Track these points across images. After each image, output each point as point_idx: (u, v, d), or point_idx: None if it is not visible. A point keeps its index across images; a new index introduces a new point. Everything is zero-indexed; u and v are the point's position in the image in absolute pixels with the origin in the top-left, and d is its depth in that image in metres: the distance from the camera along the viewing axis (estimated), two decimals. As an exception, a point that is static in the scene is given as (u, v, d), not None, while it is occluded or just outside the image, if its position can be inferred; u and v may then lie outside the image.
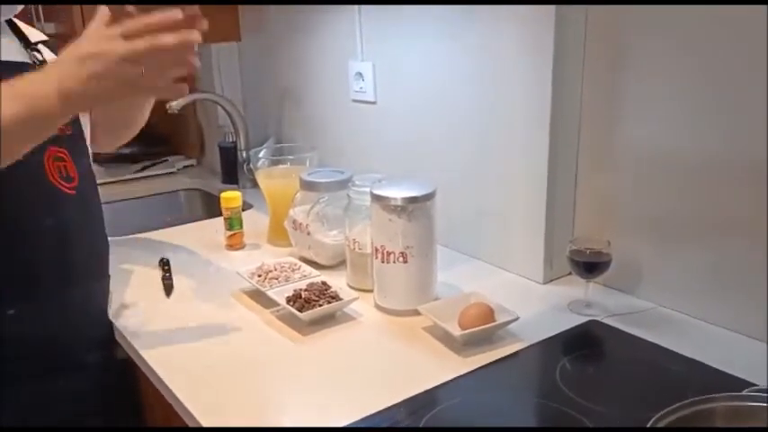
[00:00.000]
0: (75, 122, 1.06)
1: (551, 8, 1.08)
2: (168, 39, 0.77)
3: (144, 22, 0.78)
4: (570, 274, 1.16)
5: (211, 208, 1.87)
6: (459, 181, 1.31)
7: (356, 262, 1.20)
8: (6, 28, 1.04)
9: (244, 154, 1.90)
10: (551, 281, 1.21)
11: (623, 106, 1.08)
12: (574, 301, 1.13)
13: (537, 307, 1.12)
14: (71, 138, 1.03)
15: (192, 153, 2.20)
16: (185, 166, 2.17)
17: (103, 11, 0.79)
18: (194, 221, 1.73)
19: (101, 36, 0.79)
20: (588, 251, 1.08)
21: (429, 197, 1.09)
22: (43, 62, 1.05)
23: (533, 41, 1.12)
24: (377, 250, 1.11)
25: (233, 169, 1.93)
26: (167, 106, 1.77)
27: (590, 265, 1.08)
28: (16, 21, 1.07)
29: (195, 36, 0.78)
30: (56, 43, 1.10)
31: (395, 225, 1.08)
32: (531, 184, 1.18)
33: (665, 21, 1.00)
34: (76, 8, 1.71)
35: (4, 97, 0.79)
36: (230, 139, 1.94)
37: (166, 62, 0.79)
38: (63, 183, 1.02)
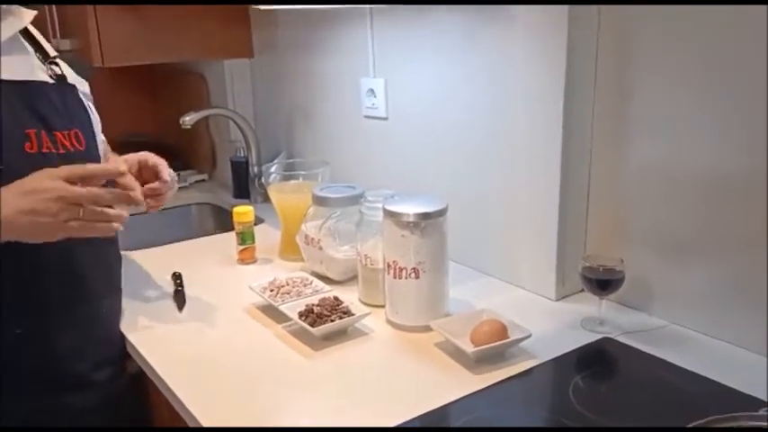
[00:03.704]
0: (90, 137, 1.06)
1: (563, 24, 1.08)
2: (108, 193, 0.88)
3: (90, 168, 0.89)
4: (583, 290, 1.16)
5: (223, 222, 1.88)
6: (470, 197, 1.31)
7: (368, 277, 1.21)
8: (23, 42, 1.05)
9: (255, 169, 1.91)
10: (564, 297, 1.21)
11: (635, 122, 1.09)
12: (586, 318, 1.12)
13: (549, 324, 1.11)
14: (83, 153, 1.03)
15: (204, 167, 2.22)
16: (197, 181, 2.19)
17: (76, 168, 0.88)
18: (206, 235, 1.74)
19: (45, 174, 0.86)
20: (601, 268, 1.08)
21: (441, 213, 1.09)
22: (61, 77, 1.06)
23: (545, 58, 1.12)
24: (389, 266, 1.11)
25: (244, 184, 1.94)
26: (180, 121, 1.79)
27: (603, 283, 1.08)
28: (34, 33, 1.09)
29: (125, 216, 0.90)
30: (73, 58, 1.12)
31: (407, 241, 1.08)
32: (543, 199, 1.18)
33: (678, 36, 1.00)
34: (92, 25, 1.73)
35: None
36: (242, 154, 1.95)
37: (105, 212, 0.88)
38: None
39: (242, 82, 2.04)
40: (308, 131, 1.84)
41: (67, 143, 1.00)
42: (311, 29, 1.71)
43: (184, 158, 2.26)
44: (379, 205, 1.15)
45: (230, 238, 1.51)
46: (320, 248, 1.29)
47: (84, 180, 0.88)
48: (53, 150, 0.98)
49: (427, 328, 1.07)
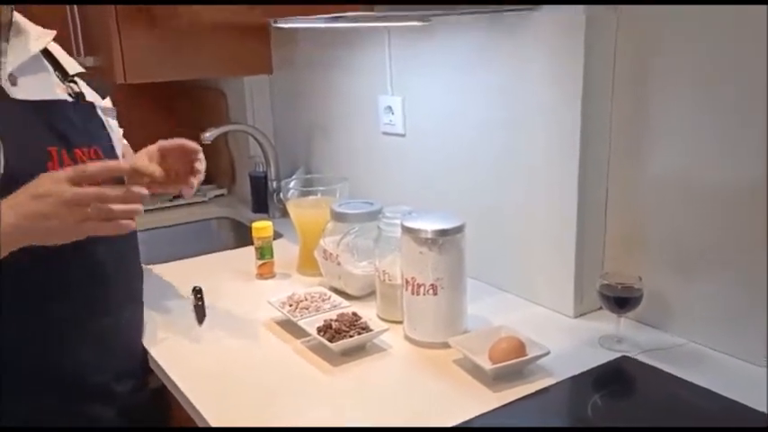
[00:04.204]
0: (109, 154, 1.08)
1: (580, 38, 1.09)
2: (114, 191, 0.88)
3: (92, 168, 0.89)
4: (601, 308, 1.16)
5: (242, 236, 1.90)
6: (488, 212, 1.32)
7: (386, 293, 1.21)
8: (43, 62, 1.07)
9: (274, 184, 1.94)
10: (581, 315, 1.21)
11: (653, 135, 1.09)
12: (605, 336, 1.12)
13: (567, 341, 1.11)
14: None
15: (223, 182, 2.25)
16: (216, 195, 2.22)
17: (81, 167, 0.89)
18: (225, 250, 1.76)
19: (52, 178, 0.88)
20: (619, 286, 1.08)
21: (459, 230, 1.10)
22: (79, 95, 1.08)
23: (561, 72, 1.14)
24: (407, 282, 1.12)
25: (263, 198, 1.96)
26: (201, 137, 1.82)
27: (621, 301, 1.08)
28: (53, 51, 1.11)
29: (138, 208, 0.90)
30: (92, 77, 1.14)
31: (425, 257, 1.09)
32: (560, 215, 1.19)
33: (695, 47, 1.01)
34: (116, 42, 1.77)
35: None
36: (261, 169, 1.97)
37: (112, 209, 0.88)
38: None
39: (261, 98, 2.07)
40: (327, 147, 1.86)
41: (87, 160, 1.02)
42: (330, 47, 1.74)
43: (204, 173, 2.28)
44: (398, 221, 1.16)
45: (249, 252, 1.53)
46: (338, 264, 1.31)
47: (88, 180, 0.89)
48: None
49: (445, 345, 1.08)
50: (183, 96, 2.35)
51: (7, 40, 0.99)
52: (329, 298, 1.26)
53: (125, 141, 1.21)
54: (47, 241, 0.90)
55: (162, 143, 1.20)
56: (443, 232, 1.08)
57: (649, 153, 1.10)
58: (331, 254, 1.32)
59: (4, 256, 0.88)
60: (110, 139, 1.10)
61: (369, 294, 1.31)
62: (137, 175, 0.94)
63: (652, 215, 1.12)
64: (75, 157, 1.00)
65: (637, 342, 1.09)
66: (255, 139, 1.95)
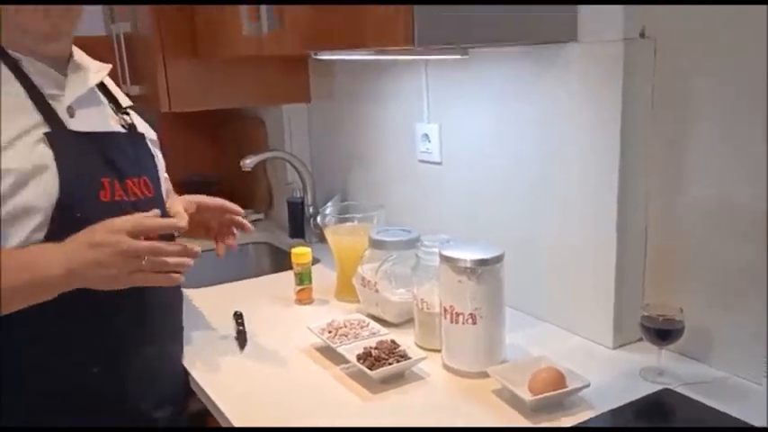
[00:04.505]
0: (157, 184, 1.12)
1: (618, 71, 1.10)
2: (169, 247, 0.94)
3: (150, 223, 0.95)
4: (641, 339, 1.15)
5: (279, 261, 1.93)
6: (524, 242, 1.32)
7: (424, 321, 1.23)
8: (98, 94, 1.12)
9: (311, 209, 1.97)
10: (621, 346, 1.20)
11: (693, 166, 1.09)
12: (645, 368, 1.11)
13: (607, 373, 1.11)
14: (151, 200, 1.08)
15: (261, 207, 2.29)
16: (254, 220, 2.25)
17: (136, 217, 0.95)
18: (263, 274, 1.79)
19: (111, 228, 0.92)
20: (660, 318, 1.07)
21: (498, 260, 1.11)
22: (132, 126, 1.13)
23: (599, 105, 1.14)
24: (445, 311, 1.13)
25: (300, 224, 1.99)
26: (241, 164, 1.87)
27: (662, 333, 1.07)
28: (107, 84, 1.16)
29: (189, 263, 0.96)
30: (142, 108, 1.19)
31: (464, 286, 1.10)
32: (599, 245, 1.19)
33: (733, 78, 1.01)
34: (161, 72, 1.84)
35: (13, 267, 0.90)
36: (298, 195, 2.01)
37: (166, 262, 0.93)
38: None
39: (299, 126, 2.12)
40: (363, 174, 1.89)
41: (137, 190, 1.06)
42: (367, 76, 1.77)
43: (242, 198, 2.32)
44: (436, 250, 1.18)
45: (287, 277, 1.56)
46: (376, 291, 1.32)
47: (145, 234, 0.94)
48: (124, 198, 1.03)
49: (484, 374, 1.08)
50: (223, 123, 2.41)
51: (65, 74, 1.04)
52: (368, 325, 1.27)
53: (166, 176, 1.25)
54: (98, 287, 0.94)
55: (202, 200, 1.28)
56: (482, 262, 1.09)
57: (690, 182, 1.10)
58: (369, 281, 1.34)
59: None
60: (157, 170, 1.14)
61: (406, 321, 1.33)
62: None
63: (693, 244, 1.11)
64: (125, 187, 1.04)
65: (678, 374, 1.08)
66: (293, 165, 1.99)
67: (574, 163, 1.21)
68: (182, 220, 1.06)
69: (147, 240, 0.94)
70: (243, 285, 1.66)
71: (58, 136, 0.98)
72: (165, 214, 1.11)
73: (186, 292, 1.44)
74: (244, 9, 1.41)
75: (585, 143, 1.18)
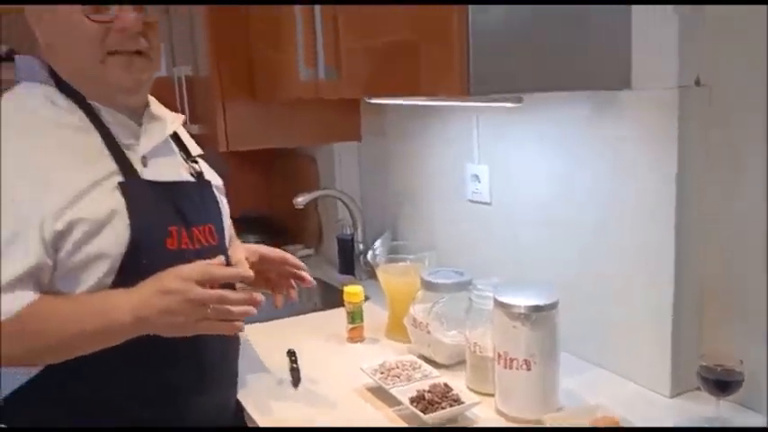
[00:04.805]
0: (221, 231, 1.15)
1: (673, 117, 1.10)
2: (235, 295, 0.97)
3: (218, 272, 0.98)
4: (698, 388, 1.13)
5: (329, 296, 1.95)
6: (579, 286, 1.32)
7: (476, 364, 1.23)
8: (171, 143, 1.16)
9: (361, 246, 2.00)
10: (678, 394, 1.18)
11: (752, 212, 1.07)
12: (704, 418, 1.09)
13: (665, 423, 1.09)
14: (215, 248, 1.11)
15: (311, 243, 2.33)
16: (304, 256, 2.30)
17: (200, 265, 0.98)
18: (313, 310, 1.82)
19: (180, 276, 0.95)
20: (719, 368, 1.05)
21: (553, 306, 1.11)
22: (200, 174, 1.17)
23: (654, 152, 1.14)
24: (499, 356, 1.14)
25: (350, 260, 2.03)
26: (294, 202, 1.92)
27: (722, 384, 1.05)
28: (179, 132, 1.20)
29: (252, 312, 0.98)
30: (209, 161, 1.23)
31: (518, 332, 1.10)
32: (655, 292, 1.18)
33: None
34: (219, 111, 1.91)
35: (84, 312, 0.94)
36: (348, 232, 2.05)
37: (230, 311, 0.96)
38: None
39: (349, 163, 2.16)
40: (413, 212, 1.91)
41: (202, 238, 1.09)
42: (417, 115, 1.81)
43: (293, 234, 2.39)
44: (489, 294, 1.19)
45: (337, 314, 1.58)
46: (428, 332, 1.33)
47: (212, 283, 0.97)
48: (190, 246, 1.06)
49: (538, 421, 1.08)
50: (275, 160, 2.48)
51: (141, 124, 1.09)
52: (419, 367, 1.29)
53: (230, 221, 1.30)
54: (165, 334, 0.97)
55: (263, 251, 1.31)
56: (537, 308, 1.10)
57: (747, 228, 1.09)
58: (421, 322, 1.35)
59: None
60: (221, 217, 1.18)
61: (457, 363, 1.33)
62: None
63: (751, 291, 1.09)
64: (191, 235, 1.07)
65: (737, 425, 1.06)
66: (344, 203, 2.03)
67: (629, 209, 1.21)
68: (246, 271, 1.09)
69: (213, 289, 0.97)
70: (295, 322, 1.69)
71: (132, 185, 1.02)
72: (228, 262, 1.13)
73: (241, 327, 1.47)
74: (301, 55, 1.47)
75: (640, 189, 1.18)
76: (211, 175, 1.22)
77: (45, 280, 0.96)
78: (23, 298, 0.92)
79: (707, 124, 1.13)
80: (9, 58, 2.16)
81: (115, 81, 1.03)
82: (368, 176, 2.14)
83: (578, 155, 1.31)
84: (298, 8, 1.42)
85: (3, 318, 0.90)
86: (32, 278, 0.94)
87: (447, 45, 1.03)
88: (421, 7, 1.08)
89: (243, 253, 1.26)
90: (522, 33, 1.06)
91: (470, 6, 1.00)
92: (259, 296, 0.99)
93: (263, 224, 2.33)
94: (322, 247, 2.31)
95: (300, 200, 1.91)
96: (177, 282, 0.94)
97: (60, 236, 0.94)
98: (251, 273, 1.06)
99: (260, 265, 1.29)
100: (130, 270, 0.98)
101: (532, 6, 1.06)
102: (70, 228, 0.95)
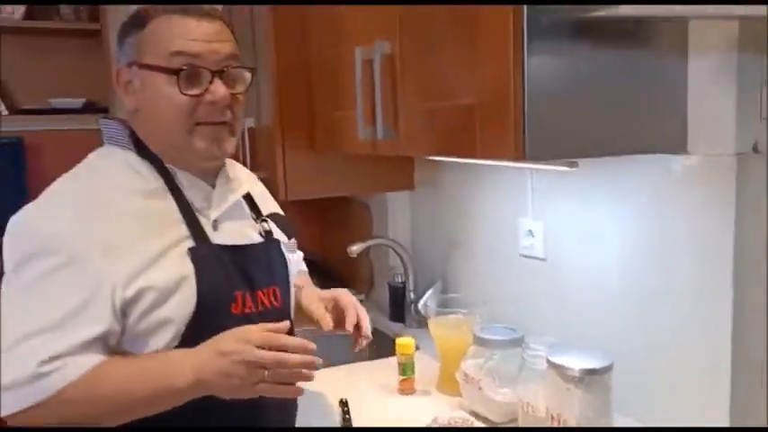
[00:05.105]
0: (285, 293, 1.17)
1: (731, 186, 1.11)
2: (293, 359, 0.95)
3: (277, 338, 0.96)
4: (759, 460, 1.10)
5: (379, 344, 1.97)
6: (633, 346, 1.31)
7: (529, 424, 1.23)
8: (243, 205, 1.18)
9: (412, 294, 2.03)
10: (737, 464, 1.16)
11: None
12: (766, 492, 1.06)
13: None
14: (278, 310, 1.13)
15: (362, 288, 2.37)
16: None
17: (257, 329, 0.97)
18: (363, 356, 1.84)
19: (237, 337, 0.96)
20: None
21: (607, 369, 1.12)
22: (269, 233, 1.19)
23: (711, 216, 1.14)
24: (552, 417, 1.14)
25: (401, 308, 2.06)
26: (348, 250, 1.97)
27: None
28: (250, 191, 1.22)
29: (311, 377, 0.97)
30: (279, 219, 1.24)
31: (571, 394, 1.11)
32: (712, 357, 1.16)
33: None
34: (280, 161, 1.99)
35: (143, 373, 0.95)
36: (399, 280, 2.08)
37: (288, 374, 0.96)
38: None
39: (402, 211, 2.21)
40: (464, 264, 1.93)
41: (266, 300, 1.10)
42: (471, 170, 1.84)
43: (345, 278, 2.43)
44: (542, 353, 1.19)
45: (388, 364, 1.61)
46: (480, 388, 1.34)
47: (275, 348, 0.95)
48: (253, 310, 1.07)
49: (592, 487, 1.07)
50: (330, 206, 2.55)
51: (214, 185, 1.12)
52: (472, 424, 1.29)
53: (303, 267, 1.33)
54: (223, 395, 0.96)
55: (338, 297, 1.29)
56: (591, 371, 1.10)
57: None
58: (472, 378, 1.37)
59: None
60: (288, 278, 1.20)
61: (510, 421, 1.33)
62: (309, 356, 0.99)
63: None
64: (256, 299, 1.09)
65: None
66: (395, 251, 2.07)
67: (685, 276, 1.20)
68: (325, 326, 1.12)
69: (272, 351, 0.96)
70: (347, 369, 1.72)
71: (201, 251, 1.04)
72: (292, 325, 1.15)
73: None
74: (360, 113, 1.53)
75: (697, 258, 1.18)
76: (280, 234, 1.23)
77: (112, 344, 0.99)
78: (90, 361, 0.95)
79: (765, 192, 1.12)
80: (86, 110, 2.32)
81: (201, 150, 1.06)
82: (420, 225, 2.18)
83: (633, 217, 1.31)
84: (358, 68, 1.49)
85: (68, 381, 0.92)
86: (100, 342, 0.97)
87: (503, 111, 1.07)
88: (478, 72, 1.12)
89: (321, 303, 1.27)
90: (577, 100, 1.09)
91: (527, 73, 1.04)
92: (317, 359, 0.98)
93: (317, 268, 2.37)
94: (373, 292, 2.35)
95: (354, 249, 1.96)
96: (234, 343, 0.95)
97: (129, 303, 0.97)
98: (313, 346, 1.00)
99: (335, 310, 1.29)
100: (194, 334, 1.00)
101: (588, 73, 1.08)
102: (139, 295, 0.97)
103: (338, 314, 1.28)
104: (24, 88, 2.37)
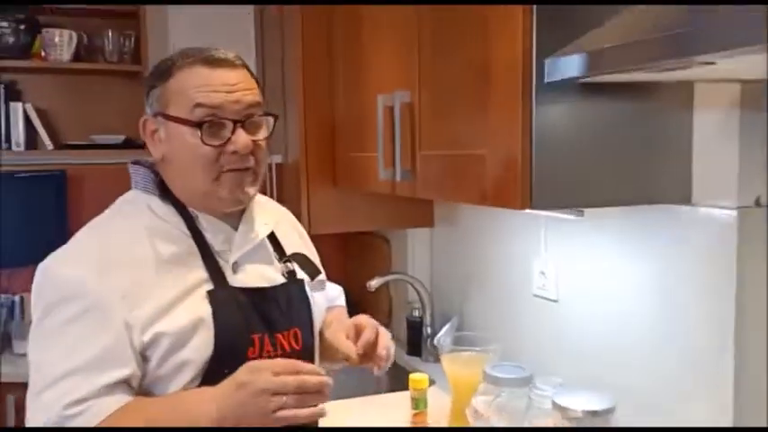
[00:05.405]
0: (307, 334, 1.16)
1: (733, 239, 1.14)
2: (310, 380, 0.95)
3: (291, 364, 0.97)
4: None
5: (396, 377, 2.02)
6: (638, 393, 1.33)
7: (534, 462, 1.27)
8: (266, 245, 1.18)
9: (429, 329, 2.08)
10: None
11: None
12: None
13: None
14: (299, 353, 1.12)
15: (381, 321, 2.38)
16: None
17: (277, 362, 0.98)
18: (380, 388, 1.90)
19: (251, 368, 0.96)
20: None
21: (609, 411, 1.15)
22: (292, 273, 1.19)
23: (714, 269, 1.18)
24: (555, 457, 1.18)
25: (418, 342, 2.11)
26: (367, 285, 2.04)
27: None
28: (277, 230, 1.22)
29: (325, 399, 0.96)
30: (303, 259, 1.24)
31: (574, 435, 1.15)
32: (714, 411, 1.19)
33: None
34: (304, 196, 2.07)
35: (168, 412, 0.96)
36: (417, 315, 2.13)
37: (307, 397, 0.94)
38: None
39: (422, 247, 2.27)
40: (480, 301, 1.98)
41: (285, 344, 1.11)
42: (487, 211, 1.89)
43: (364, 310, 2.48)
44: (548, 393, 1.24)
45: (403, 398, 1.66)
46: (488, 425, 1.39)
47: (287, 373, 0.95)
48: (271, 353, 1.08)
49: None
50: (351, 239, 2.63)
51: (236, 227, 1.13)
52: (479, 459, 1.34)
53: (340, 302, 1.35)
54: (251, 425, 0.95)
55: (360, 324, 1.27)
56: (593, 413, 1.14)
57: None
58: (482, 414, 1.41)
59: None
60: (311, 318, 1.19)
61: (516, 459, 1.37)
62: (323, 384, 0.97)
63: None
64: (274, 341, 1.09)
65: None
66: (414, 287, 2.13)
67: (688, 325, 1.23)
68: (351, 353, 1.13)
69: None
70: (361, 402, 1.78)
71: (220, 294, 1.06)
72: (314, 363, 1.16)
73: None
74: (381, 156, 1.61)
75: (700, 309, 1.21)
76: (303, 274, 1.21)
77: (135, 386, 1.02)
78: (114, 402, 0.98)
79: (766, 244, 1.16)
80: (126, 145, 2.45)
81: (227, 196, 1.08)
82: (439, 261, 2.23)
83: (639, 265, 1.35)
84: (380, 114, 1.57)
85: (93, 422, 0.96)
86: (124, 385, 1.00)
87: (512, 162, 1.13)
88: (490, 125, 1.19)
89: (343, 334, 1.24)
90: (584, 153, 1.14)
91: (535, 127, 1.10)
92: (329, 380, 0.97)
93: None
94: (391, 325, 2.39)
95: (373, 283, 2.02)
96: (249, 374, 0.96)
97: (147, 347, 1.00)
98: (329, 380, 0.98)
99: (357, 338, 1.24)
100: (213, 376, 1.01)
101: (594, 128, 1.14)
102: (156, 340, 1.00)
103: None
104: (69, 125, 2.53)
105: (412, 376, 1.61)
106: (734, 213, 1.15)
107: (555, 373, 1.37)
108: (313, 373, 0.97)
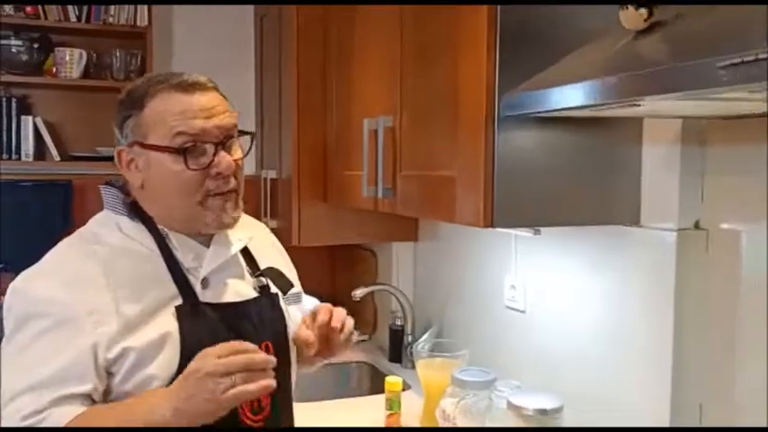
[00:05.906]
0: (279, 347, 1.14)
1: (672, 259, 1.26)
2: (256, 357, 0.94)
3: (233, 345, 0.96)
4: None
5: (378, 382, 2.14)
6: (590, 395, 1.44)
7: (492, 457, 1.40)
8: (238, 259, 1.16)
9: (409, 337, 2.20)
10: (675, 504, 1.29)
11: (745, 359, 1.19)
12: None
13: None
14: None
15: (366, 329, 2.55)
16: (359, 341, 2.51)
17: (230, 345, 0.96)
18: (363, 392, 2.02)
19: (199, 356, 0.95)
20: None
21: (557, 410, 1.28)
22: (264, 287, 1.18)
23: (656, 287, 1.30)
24: (510, 451, 1.30)
25: (399, 350, 2.23)
26: (352, 294, 2.16)
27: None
28: (251, 245, 1.20)
29: (271, 359, 0.95)
30: (276, 273, 1.20)
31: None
32: (656, 405, 1.29)
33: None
34: (295, 210, 2.21)
35: (123, 414, 0.97)
36: (399, 323, 2.26)
37: (252, 376, 0.92)
38: (250, 416, 1.09)
39: (406, 260, 2.40)
40: (458, 312, 2.10)
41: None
42: (466, 227, 2.01)
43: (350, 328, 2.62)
44: (506, 394, 1.36)
45: (380, 400, 1.78)
46: (455, 424, 1.51)
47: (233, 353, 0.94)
48: None
49: None
50: (339, 250, 2.76)
51: (207, 245, 1.11)
52: (443, 454, 1.46)
53: (320, 302, 1.31)
54: (204, 419, 0.94)
55: (318, 312, 1.21)
56: (543, 411, 1.27)
57: (744, 375, 1.19)
58: (449, 415, 1.53)
59: None
60: (284, 331, 1.18)
61: (479, 455, 1.49)
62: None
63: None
64: None
65: None
66: (397, 298, 2.25)
67: (635, 330, 1.36)
68: (309, 341, 1.11)
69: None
70: (340, 404, 1.90)
71: (187, 308, 1.06)
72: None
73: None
74: (365, 174, 1.74)
75: (644, 316, 1.33)
76: (284, 283, 1.21)
77: (97, 400, 1.02)
78: (71, 411, 0.98)
79: (704, 267, 1.27)
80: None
81: (212, 221, 1.08)
82: (422, 274, 2.36)
83: (595, 281, 1.47)
84: (366, 137, 1.71)
85: (51, 424, 0.96)
86: (85, 398, 1.00)
87: (475, 184, 1.26)
88: (458, 149, 1.32)
89: (302, 325, 1.20)
90: (541, 177, 1.27)
91: (497, 152, 1.23)
92: (273, 358, 0.96)
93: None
94: (376, 334, 2.52)
95: (358, 293, 2.15)
96: (195, 362, 0.95)
97: (112, 363, 1.01)
98: (274, 360, 0.97)
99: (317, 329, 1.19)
100: None
101: (551, 155, 1.26)
102: (121, 356, 1.01)
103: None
104: (76, 137, 2.66)
105: (387, 379, 1.73)
106: (674, 235, 1.28)
107: (519, 377, 1.50)
108: (264, 363, 0.96)
